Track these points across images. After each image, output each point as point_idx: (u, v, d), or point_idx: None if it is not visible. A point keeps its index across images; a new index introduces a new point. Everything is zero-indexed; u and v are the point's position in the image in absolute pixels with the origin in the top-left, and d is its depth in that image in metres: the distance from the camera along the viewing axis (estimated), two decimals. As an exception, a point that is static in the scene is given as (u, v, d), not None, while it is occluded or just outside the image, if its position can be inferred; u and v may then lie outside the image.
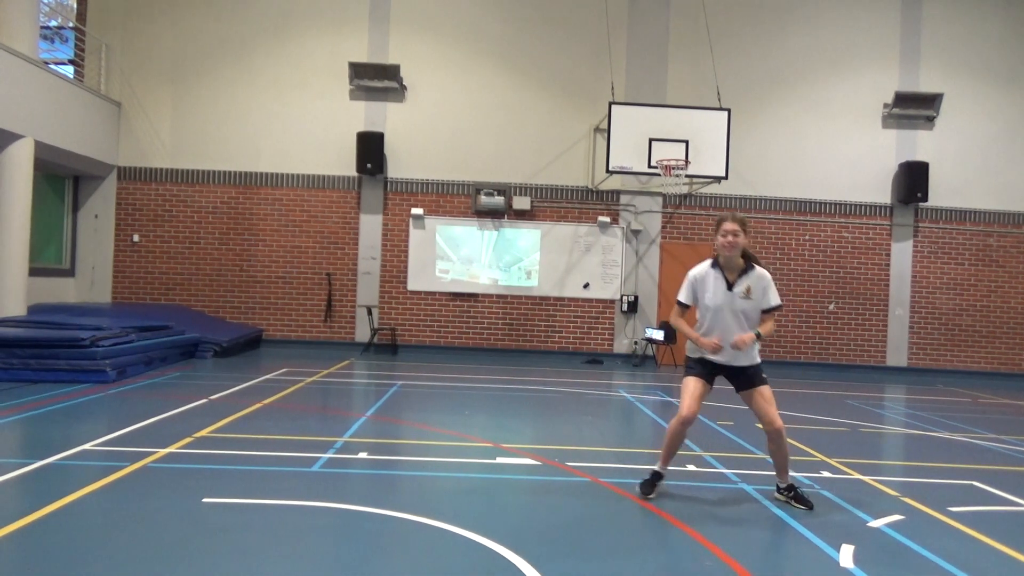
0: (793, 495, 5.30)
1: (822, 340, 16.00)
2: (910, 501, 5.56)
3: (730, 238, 5.11)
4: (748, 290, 5.18)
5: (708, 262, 5.29)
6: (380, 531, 4.49)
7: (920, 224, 16.06)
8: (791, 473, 5.43)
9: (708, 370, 5.32)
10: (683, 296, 5.33)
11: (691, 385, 5.28)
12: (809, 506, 5.21)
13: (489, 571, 3.91)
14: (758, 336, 5.13)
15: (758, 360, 5.31)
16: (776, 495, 5.41)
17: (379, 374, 12.38)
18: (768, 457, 5.51)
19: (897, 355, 16.01)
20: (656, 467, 5.42)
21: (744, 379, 5.29)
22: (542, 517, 4.91)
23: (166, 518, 4.50)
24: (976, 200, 16.05)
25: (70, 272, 15.35)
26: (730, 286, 5.19)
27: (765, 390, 5.24)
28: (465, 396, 10.23)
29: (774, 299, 5.23)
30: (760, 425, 5.33)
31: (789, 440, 7.74)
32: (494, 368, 13.57)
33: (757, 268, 5.24)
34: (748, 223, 5.24)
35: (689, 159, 13.72)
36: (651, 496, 5.29)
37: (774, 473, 5.45)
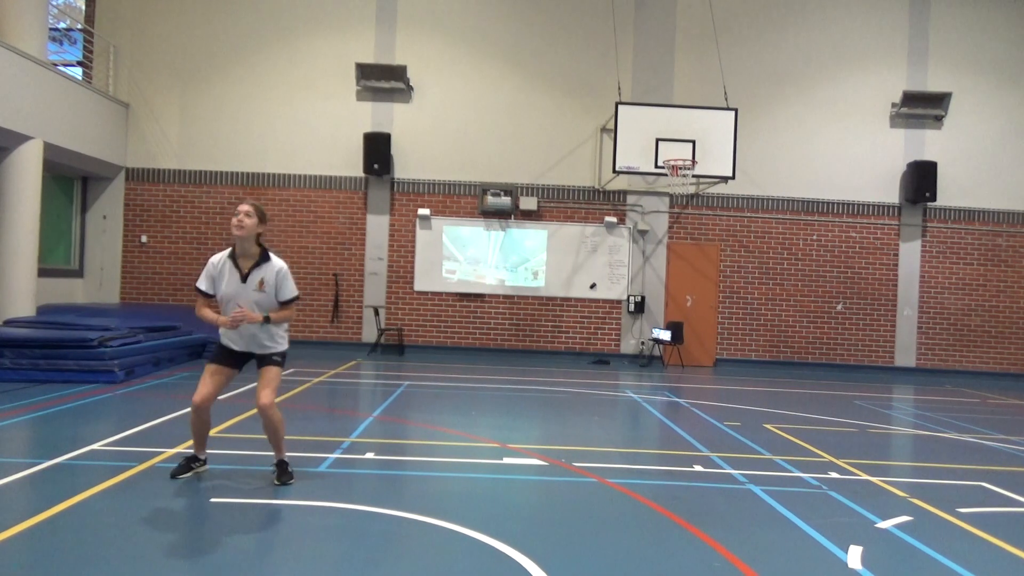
0: (277, 472, 5.36)
1: (830, 340, 15.95)
2: (918, 502, 5.53)
3: (241, 217, 5.10)
4: (261, 283, 5.20)
5: (227, 251, 5.28)
6: (387, 531, 4.49)
7: (928, 224, 16.00)
8: (287, 454, 5.46)
9: (228, 355, 5.34)
10: (202, 284, 5.30)
11: (209, 370, 5.30)
12: (283, 481, 5.25)
13: (496, 571, 3.91)
14: (267, 319, 5.17)
15: (278, 348, 5.35)
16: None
17: (386, 374, 12.40)
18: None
19: (905, 355, 15.95)
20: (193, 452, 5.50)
21: (260, 360, 5.34)
22: (549, 518, 4.91)
23: (174, 518, 4.52)
24: (985, 200, 15.98)
25: (79, 273, 15.42)
26: (244, 277, 5.19)
27: (268, 370, 5.30)
28: (472, 396, 10.23)
29: (289, 292, 5.28)
30: None
31: (798, 441, 7.74)
32: (501, 368, 13.57)
33: (273, 260, 5.27)
34: (265, 213, 5.27)
35: (696, 159, 13.69)
36: (183, 476, 5.32)
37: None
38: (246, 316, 5.06)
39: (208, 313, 5.26)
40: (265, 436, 5.39)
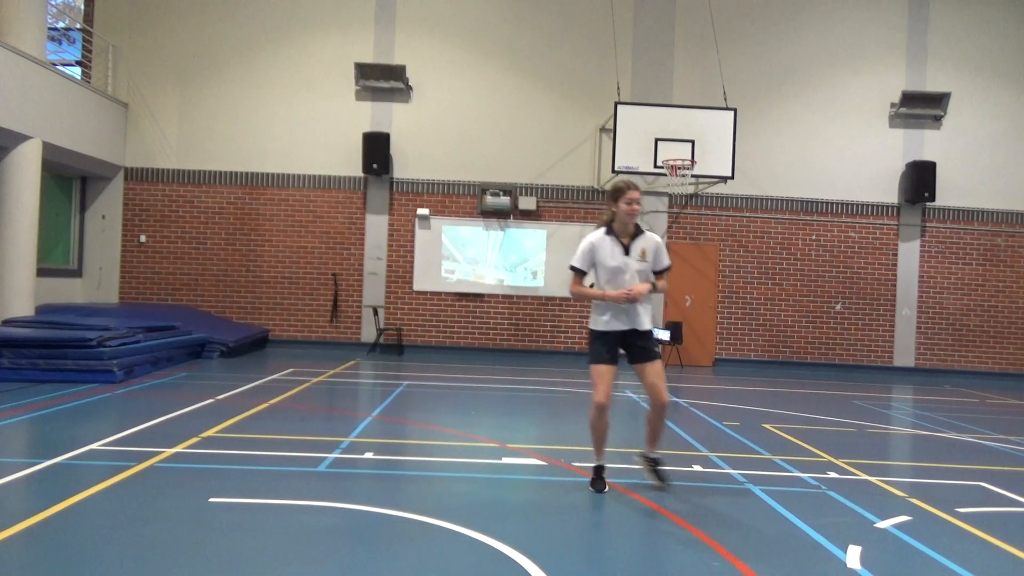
0: (654, 468, 5.50)
1: (829, 340, 15.95)
2: (917, 502, 5.53)
3: (635, 206, 5.31)
4: (643, 253, 5.36)
5: (603, 229, 5.41)
6: (386, 531, 4.49)
7: (927, 224, 16.01)
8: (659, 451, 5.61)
9: (610, 348, 5.41)
10: (580, 263, 5.40)
11: (601, 371, 5.38)
12: (662, 483, 5.42)
13: (495, 571, 3.91)
14: (653, 287, 5.31)
15: (647, 326, 5.43)
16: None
17: (385, 374, 12.40)
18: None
19: (904, 355, 15.96)
20: (595, 462, 5.53)
21: (642, 351, 5.40)
22: (548, 517, 4.91)
23: (173, 518, 4.51)
24: (984, 200, 15.99)
25: (77, 272, 15.41)
26: (626, 250, 5.35)
27: (658, 365, 5.43)
28: (471, 396, 10.23)
29: (665, 260, 5.45)
30: (647, 396, 5.51)
31: (797, 441, 7.74)
32: (500, 368, 13.57)
33: (647, 232, 5.44)
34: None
35: (695, 159, 13.69)
36: (606, 489, 5.38)
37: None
38: (640, 291, 5.18)
39: (588, 290, 5.40)
40: (648, 429, 5.57)
